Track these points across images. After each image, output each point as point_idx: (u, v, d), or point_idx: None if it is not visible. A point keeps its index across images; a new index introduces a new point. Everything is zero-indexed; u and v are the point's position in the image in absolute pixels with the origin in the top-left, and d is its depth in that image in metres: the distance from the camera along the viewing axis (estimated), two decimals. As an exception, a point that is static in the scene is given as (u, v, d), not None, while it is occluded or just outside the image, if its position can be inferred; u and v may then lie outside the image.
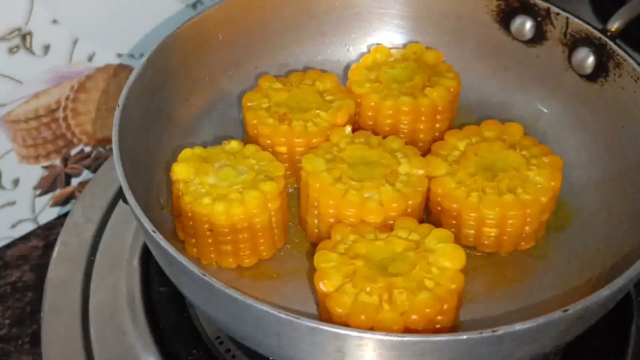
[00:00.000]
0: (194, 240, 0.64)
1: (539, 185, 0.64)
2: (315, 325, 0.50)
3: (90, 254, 0.74)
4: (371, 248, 0.59)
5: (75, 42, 0.78)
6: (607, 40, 0.69)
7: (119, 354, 0.66)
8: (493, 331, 0.49)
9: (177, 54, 0.72)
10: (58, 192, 0.87)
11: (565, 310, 0.50)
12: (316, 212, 0.64)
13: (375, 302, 0.55)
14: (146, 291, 0.70)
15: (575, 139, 0.73)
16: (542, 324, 0.50)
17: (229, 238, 0.63)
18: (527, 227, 0.64)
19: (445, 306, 0.55)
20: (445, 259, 0.57)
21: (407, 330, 0.54)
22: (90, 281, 0.72)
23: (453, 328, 0.58)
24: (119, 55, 0.82)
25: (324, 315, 0.59)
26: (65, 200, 0.88)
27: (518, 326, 0.49)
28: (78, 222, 0.77)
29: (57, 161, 0.85)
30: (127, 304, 0.69)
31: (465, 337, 0.49)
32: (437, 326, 0.56)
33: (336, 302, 0.56)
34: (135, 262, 0.72)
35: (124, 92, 0.64)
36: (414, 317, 0.54)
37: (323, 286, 0.57)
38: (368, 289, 0.56)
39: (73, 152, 0.86)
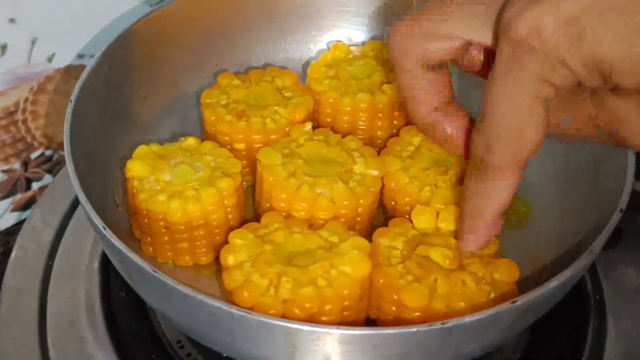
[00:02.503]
0: (149, 238, 0.65)
1: None
2: (267, 320, 0.50)
3: (48, 259, 0.74)
4: (288, 239, 0.60)
5: (33, 42, 0.78)
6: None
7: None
8: (442, 323, 0.50)
9: (135, 50, 0.72)
10: (18, 196, 0.87)
11: (514, 302, 0.51)
12: (268, 206, 0.64)
13: (264, 285, 0.56)
14: (106, 297, 0.70)
15: None
16: (492, 315, 0.50)
17: (185, 235, 0.63)
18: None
19: (327, 307, 0.56)
20: (349, 265, 0.58)
21: (285, 317, 0.55)
22: (48, 287, 0.72)
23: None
24: (80, 56, 0.82)
25: None
26: (25, 205, 0.88)
27: (467, 318, 0.50)
28: (36, 226, 0.77)
29: (17, 165, 0.85)
30: (86, 310, 0.69)
31: (415, 329, 0.50)
32: (324, 318, 0.56)
33: (229, 276, 0.57)
34: (95, 267, 0.72)
35: (77, 87, 0.65)
36: (294, 308, 0.55)
37: (226, 259, 0.59)
38: (262, 272, 0.57)
39: (33, 155, 0.85)
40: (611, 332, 0.68)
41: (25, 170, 0.86)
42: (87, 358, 0.66)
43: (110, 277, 0.71)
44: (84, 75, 0.66)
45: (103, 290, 0.70)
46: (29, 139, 0.84)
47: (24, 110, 0.82)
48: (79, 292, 0.71)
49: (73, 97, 0.64)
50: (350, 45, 0.77)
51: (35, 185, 0.88)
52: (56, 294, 0.71)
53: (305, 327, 0.50)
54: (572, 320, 0.67)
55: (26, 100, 0.82)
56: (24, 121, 0.83)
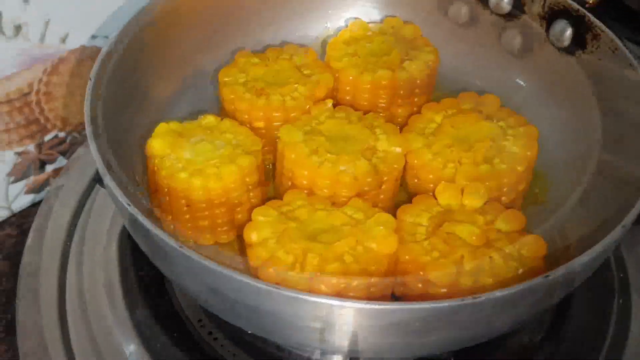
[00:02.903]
0: (170, 217, 0.64)
1: (515, 155, 0.64)
2: (296, 295, 0.50)
3: (66, 239, 0.74)
4: (311, 216, 0.59)
5: (47, 23, 0.77)
6: (586, 12, 0.69)
7: (98, 340, 0.66)
8: (474, 297, 0.49)
9: (151, 29, 0.71)
10: (32, 178, 0.86)
11: (547, 276, 0.50)
12: (290, 184, 0.64)
13: (289, 261, 0.56)
14: (124, 276, 0.70)
15: (552, 112, 0.73)
16: (523, 289, 0.50)
17: (206, 213, 0.63)
18: (503, 198, 0.64)
19: (354, 283, 0.55)
20: (375, 241, 0.57)
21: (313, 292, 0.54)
22: (66, 267, 0.71)
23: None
24: (94, 37, 0.81)
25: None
26: (39, 187, 0.87)
27: (499, 292, 0.49)
28: (53, 207, 0.76)
29: (31, 147, 0.84)
30: (105, 289, 0.69)
31: (446, 304, 0.49)
32: (351, 294, 0.56)
33: (254, 253, 0.57)
34: (114, 247, 0.72)
35: (95, 65, 0.64)
36: (321, 284, 0.54)
37: (250, 236, 0.58)
38: (287, 248, 0.56)
39: (47, 137, 0.85)
40: (636, 309, 0.67)
41: (40, 152, 0.85)
42: (107, 336, 0.66)
43: (128, 256, 0.71)
44: (102, 54, 0.65)
45: (122, 269, 0.70)
46: (42, 121, 0.83)
47: (37, 92, 0.81)
48: (98, 272, 0.70)
49: (92, 75, 0.63)
50: (368, 23, 0.76)
51: (49, 168, 0.87)
52: (75, 273, 0.71)
53: (335, 302, 0.50)
54: (596, 298, 0.67)
55: (40, 81, 0.81)
56: (38, 103, 0.82)
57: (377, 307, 0.50)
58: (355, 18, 0.79)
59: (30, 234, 0.74)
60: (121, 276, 0.70)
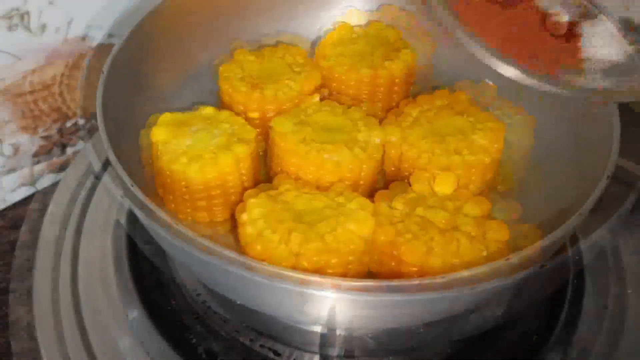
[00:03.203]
0: (171, 196, 0.61)
1: (483, 147, 0.61)
2: (278, 271, 0.47)
3: (81, 214, 0.71)
4: (298, 199, 0.56)
5: (69, 23, 0.74)
6: None
7: (104, 305, 0.63)
8: (442, 277, 0.46)
9: (158, 28, 0.68)
10: (54, 160, 0.83)
11: (507, 259, 0.47)
12: (280, 169, 0.61)
13: (275, 239, 0.53)
14: (131, 249, 0.67)
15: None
16: (487, 270, 0.47)
17: (203, 195, 0.59)
18: (471, 186, 0.61)
19: (333, 260, 0.52)
20: (353, 223, 0.54)
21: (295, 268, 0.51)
22: (80, 240, 0.69)
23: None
24: (110, 36, 0.78)
25: None
26: (61, 168, 0.84)
27: (466, 273, 0.47)
28: (71, 186, 0.74)
29: (54, 132, 0.81)
30: (114, 260, 0.66)
31: (417, 282, 0.46)
32: (330, 271, 0.52)
33: (244, 231, 0.54)
34: (122, 222, 0.69)
35: (107, 61, 0.61)
36: (303, 261, 0.51)
37: (241, 216, 0.55)
38: (273, 228, 0.53)
39: (68, 124, 0.82)
40: (589, 288, 0.64)
41: (61, 136, 0.82)
42: (113, 301, 0.63)
43: (135, 230, 0.67)
44: (114, 50, 0.63)
45: (129, 242, 0.67)
46: (64, 109, 0.81)
47: (60, 84, 0.79)
48: (108, 244, 0.68)
49: (105, 69, 0.61)
50: (354, 26, 0.72)
51: (69, 150, 0.84)
52: (87, 245, 0.68)
53: (315, 278, 0.47)
54: (552, 278, 0.63)
55: (62, 74, 0.78)
56: (60, 93, 0.80)
57: (353, 283, 0.47)
58: (350, 6, 0.75)
59: (49, 209, 0.71)
60: (128, 248, 0.66)
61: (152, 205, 0.50)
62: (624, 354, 0.60)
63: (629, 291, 0.64)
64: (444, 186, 0.57)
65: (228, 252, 0.47)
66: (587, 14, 0.59)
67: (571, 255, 0.64)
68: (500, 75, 0.63)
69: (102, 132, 0.55)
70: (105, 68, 0.61)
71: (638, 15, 0.55)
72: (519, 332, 0.61)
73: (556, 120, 0.64)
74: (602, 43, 0.57)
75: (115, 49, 0.62)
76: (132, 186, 0.52)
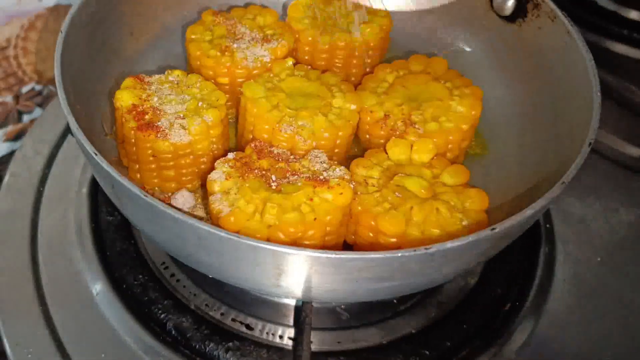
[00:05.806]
0: (137, 166, 0.57)
1: (461, 114, 0.59)
2: (255, 243, 0.44)
3: (39, 185, 0.67)
4: (272, 167, 0.53)
5: (24, -19, 0.70)
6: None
7: (66, 280, 0.60)
8: (426, 248, 0.44)
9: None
10: (10, 128, 0.79)
11: (493, 229, 0.45)
12: (251, 137, 0.58)
13: (249, 210, 0.50)
14: (94, 220, 0.63)
15: (494, 76, 0.68)
16: (471, 241, 0.45)
17: (171, 164, 0.56)
18: (448, 154, 0.59)
19: (310, 232, 0.50)
20: (330, 192, 0.51)
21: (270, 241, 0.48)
22: (39, 211, 0.65)
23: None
24: (67, -5, 0.74)
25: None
26: (17, 136, 0.80)
27: (449, 244, 0.44)
28: (28, 155, 0.70)
29: (9, 98, 0.77)
30: (75, 233, 0.63)
31: (399, 254, 0.44)
32: (306, 242, 0.50)
33: (216, 202, 0.51)
34: (84, 192, 0.65)
35: (66, 20, 0.57)
36: (279, 233, 0.49)
37: (212, 186, 0.52)
38: (247, 198, 0.51)
39: (24, 89, 0.78)
40: (560, 257, 0.63)
41: (17, 103, 0.78)
42: (75, 276, 0.60)
43: (98, 201, 0.64)
44: (73, 9, 0.58)
45: (92, 213, 0.64)
46: (20, 74, 0.76)
47: (15, 47, 0.74)
48: (69, 216, 0.64)
49: (63, 29, 0.57)
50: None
51: (26, 118, 0.79)
52: (47, 217, 0.64)
53: (291, 250, 0.44)
54: (525, 246, 0.63)
55: (17, 37, 0.74)
56: (15, 57, 0.75)
57: (330, 255, 0.44)
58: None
59: (5, 179, 0.67)
60: (90, 220, 0.63)
61: (117, 175, 0.47)
62: (593, 319, 0.60)
63: (598, 259, 0.64)
64: (422, 153, 0.55)
65: (201, 223, 0.44)
66: None
67: (542, 222, 0.63)
68: (450, 53, 0.64)
69: (61, 98, 0.51)
70: (63, 28, 0.56)
71: None
72: (493, 298, 0.60)
73: (538, 90, 0.63)
74: None
75: (74, 8, 0.58)
76: (96, 155, 0.48)
